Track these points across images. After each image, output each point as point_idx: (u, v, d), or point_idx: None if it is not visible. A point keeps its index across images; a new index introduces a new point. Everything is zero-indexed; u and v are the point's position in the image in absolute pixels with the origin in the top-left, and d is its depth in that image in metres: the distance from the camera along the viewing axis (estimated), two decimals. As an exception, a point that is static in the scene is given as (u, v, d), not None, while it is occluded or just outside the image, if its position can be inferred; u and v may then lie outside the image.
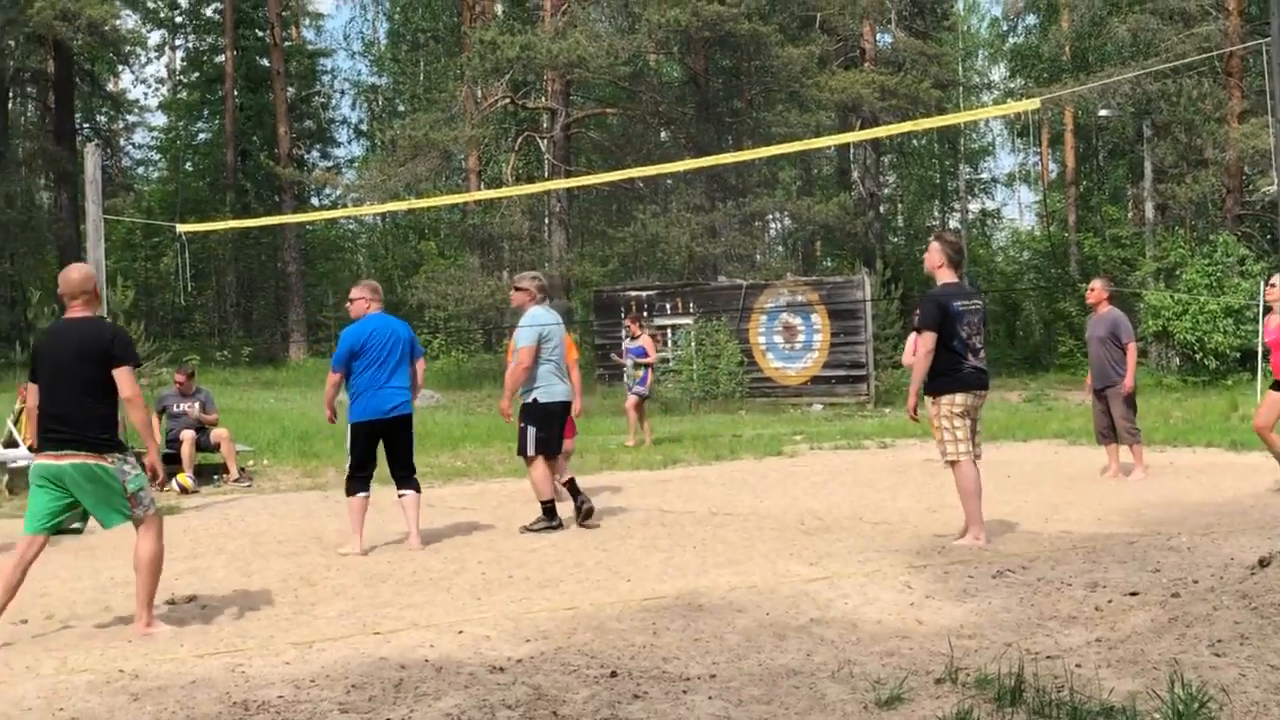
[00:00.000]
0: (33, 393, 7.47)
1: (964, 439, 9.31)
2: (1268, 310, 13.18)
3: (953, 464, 9.38)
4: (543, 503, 11.01)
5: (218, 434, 15.80)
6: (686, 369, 27.95)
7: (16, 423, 16.07)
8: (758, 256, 39.33)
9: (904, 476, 14.77)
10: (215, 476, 15.70)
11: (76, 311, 7.39)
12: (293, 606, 8.03)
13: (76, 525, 7.26)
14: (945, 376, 9.32)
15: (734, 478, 15.25)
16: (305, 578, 8.99)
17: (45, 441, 7.28)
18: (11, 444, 15.66)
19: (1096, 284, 14.41)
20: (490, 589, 8.37)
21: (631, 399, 19.67)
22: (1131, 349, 13.91)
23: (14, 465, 15.21)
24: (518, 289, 11.46)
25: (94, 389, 7.20)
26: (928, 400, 9.44)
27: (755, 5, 33.45)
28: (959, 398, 9.30)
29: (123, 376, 7.20)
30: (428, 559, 9.63)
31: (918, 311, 9.57)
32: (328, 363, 36.57)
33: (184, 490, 14.86)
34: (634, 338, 20.18)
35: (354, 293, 10.73)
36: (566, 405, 11.39)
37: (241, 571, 9.36)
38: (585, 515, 11.20)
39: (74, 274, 7.42)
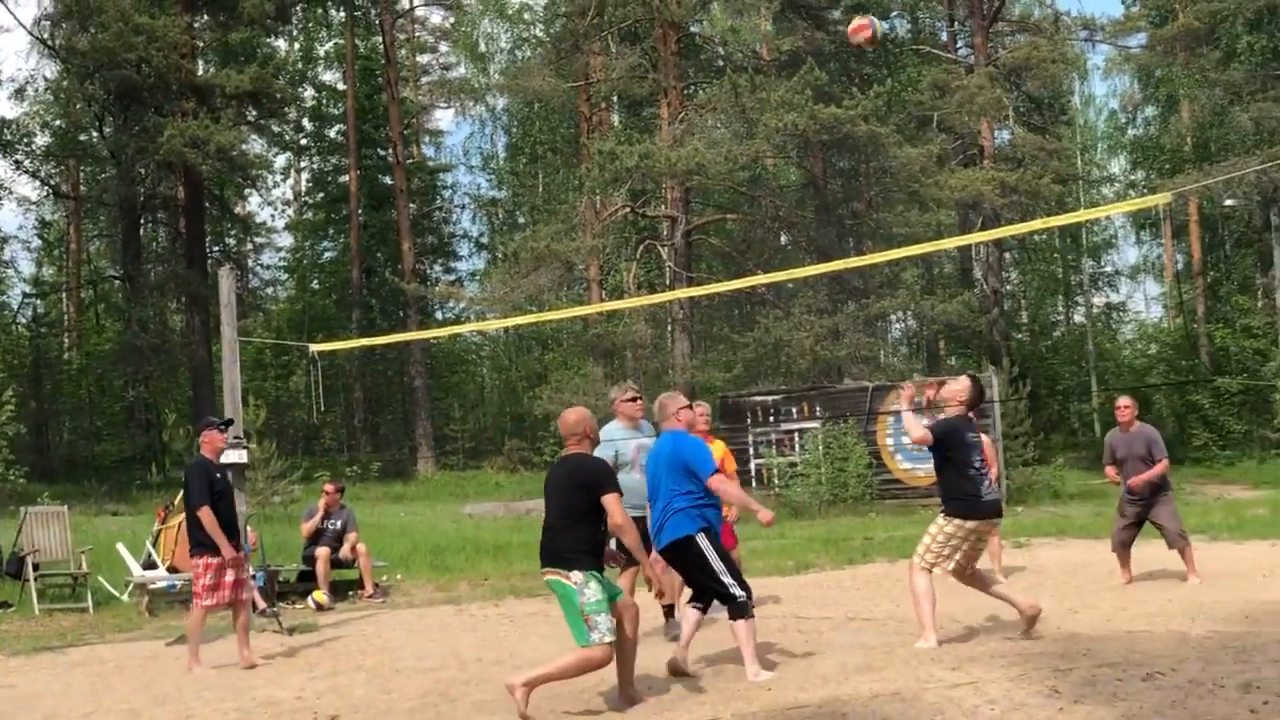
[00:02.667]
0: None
1: (946, 556, 9.82)
2: None
3: (921, 569, 9.91)
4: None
5: (359, 549, 15.86)
6: (815, 472, 27.68)
7: (155, 543, 16.33)
8: (882, 358, 39.02)
9: (1042, 577, 14.54)
10: (350, 593, 15.80)
11: (571, 448, 8.24)
12: (433, 723, 8.07)
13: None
14: (962, 501, 9.88)
15: (869, 582, 15.09)
16: (444, 693, 9.00)
17: (541, 557, 8.09)
18: (150, 565, 15.88)
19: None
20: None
21: None
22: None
23: (154, 586, 15.38)
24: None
25: (575, 512, 7.95)
26: (940, 513, 10.00)
27: (872, 107, 33.42)
28: (970, 524, 9.82)
29: (611, 503, 7.87)
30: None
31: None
32: (455, 476, 36.15)
33: (319, 607, 14.95)
34: None
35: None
36: None
37: (381, 689, 9.39)
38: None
39: (570, 416, 8.31)
